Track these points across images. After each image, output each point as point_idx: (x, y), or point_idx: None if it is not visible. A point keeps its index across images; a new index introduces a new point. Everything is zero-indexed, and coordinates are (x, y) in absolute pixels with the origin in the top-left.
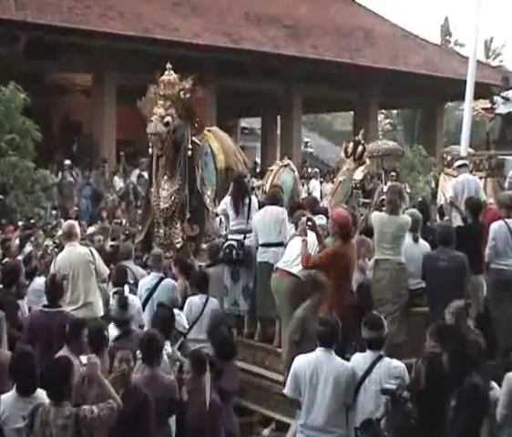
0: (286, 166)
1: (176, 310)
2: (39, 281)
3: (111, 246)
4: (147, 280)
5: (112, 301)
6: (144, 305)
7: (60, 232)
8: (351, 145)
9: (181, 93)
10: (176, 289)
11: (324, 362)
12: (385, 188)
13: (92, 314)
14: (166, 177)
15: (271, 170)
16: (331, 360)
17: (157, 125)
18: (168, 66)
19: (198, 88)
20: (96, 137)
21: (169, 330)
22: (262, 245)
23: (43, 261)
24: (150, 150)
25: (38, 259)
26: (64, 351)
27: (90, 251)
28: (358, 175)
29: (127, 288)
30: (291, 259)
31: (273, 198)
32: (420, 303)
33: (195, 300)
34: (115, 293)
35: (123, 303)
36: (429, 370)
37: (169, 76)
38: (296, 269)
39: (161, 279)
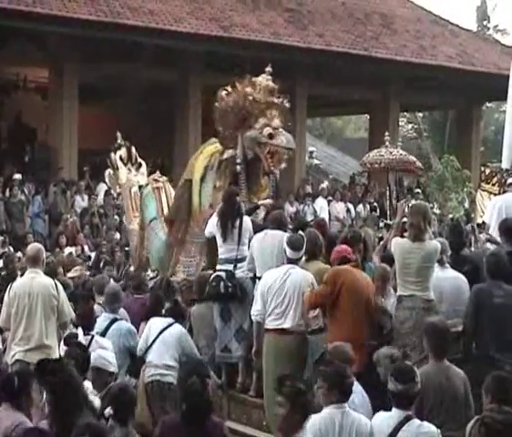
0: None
1: None
2: None
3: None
4: (97, 323)
5: None
6: None
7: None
8: (123, 150)
9: (284, 101)
10: (132, 333)
11: (337, 418)
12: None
13: None
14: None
15: (157, 187)
16: (346, 413)
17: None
18: (269, 69)
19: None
20: (53, 145)
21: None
22: (260, 278)
23: None
24: (239, 168)
25: None
26: (5, 409)
27: (55, 285)
28: (143, 179)
29: (80, 330)
30: (280, 308)
31: (276, 222)
32: (456, 351)
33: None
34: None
35: None
36: None
37: (269, 80)
38: (291, 320)
39: (113, 321)
